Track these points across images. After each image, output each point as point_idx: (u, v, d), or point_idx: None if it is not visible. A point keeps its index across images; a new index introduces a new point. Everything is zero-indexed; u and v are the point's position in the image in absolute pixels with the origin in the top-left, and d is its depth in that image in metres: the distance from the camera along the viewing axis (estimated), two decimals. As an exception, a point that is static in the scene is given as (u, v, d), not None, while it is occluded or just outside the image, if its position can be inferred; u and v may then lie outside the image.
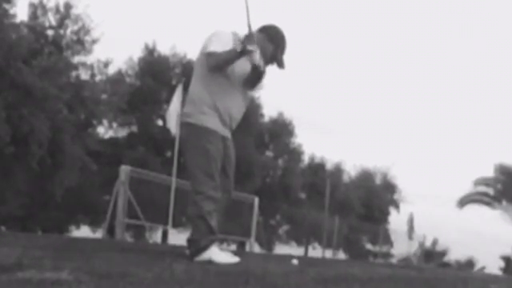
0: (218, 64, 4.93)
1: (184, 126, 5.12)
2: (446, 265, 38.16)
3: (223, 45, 4.93)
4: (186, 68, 29.32)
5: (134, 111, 29.25)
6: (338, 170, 38.38)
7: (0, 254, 4.01)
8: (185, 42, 48.44)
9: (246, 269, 4.39)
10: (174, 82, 29.02)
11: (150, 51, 30.89)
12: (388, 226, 35.72)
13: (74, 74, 25.41)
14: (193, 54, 29.54)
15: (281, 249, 32.14)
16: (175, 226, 13.79)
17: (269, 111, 34.79)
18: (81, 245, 6.17)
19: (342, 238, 29.38)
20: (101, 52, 26.57)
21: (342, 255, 31.22)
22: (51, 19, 25.12)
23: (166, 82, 29.94)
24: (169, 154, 28.11)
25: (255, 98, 30.98)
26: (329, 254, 26.07)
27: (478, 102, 58.97)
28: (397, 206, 40.81)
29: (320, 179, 34.28)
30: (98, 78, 26.27)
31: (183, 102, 9.14)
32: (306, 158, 37.24)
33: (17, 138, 21.51)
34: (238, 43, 4.86)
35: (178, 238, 15.75)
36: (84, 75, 25.86)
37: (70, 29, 25.18)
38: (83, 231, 28.26)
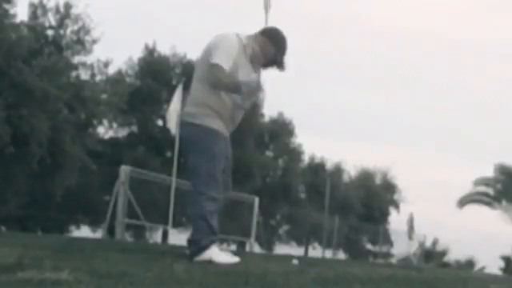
0: (217, 85, 4.96)
1: (188, 126, 5.12)
2: (446, 265, 38.16)
3: (231, 59, 4.91)
4: (186, 68, 29.31)
5: (134, 111, 29.23)
6: (337, 170, 38.35)
7: (0, 254, 4.02)
8: (185, 42, 48.33)
9: (246, 269, 4.40)
10: (174, 82, 28.99)
11: (150, 51, 30.88)
12: (388, 225, 35.71)
13: (74, 73, 25.42)
14: (193, 54, 29.57)
15: (281, 249, 32.12)
16: (175, 226, 13.80)
17: (269, 111, 34.75)
18: (81, 245, 6.17)
19: (342, 238, 29.39)
20: (101, 52, 26.60)
21: (341, 255, 31.20)
22: (51, 19, 25.13)
23: (166, 82, 29.93)
24: (169, 154, 28.08)
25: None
26: (329, 254, 26.10)
27: (477, 102, 58.95)
28: (397, 206, 40.77)
29: (320, 179, 34.27)
30: (98, 77, 26.27)
31: (184, 102, 9.14)
32: (306, 158, 37.25)
33: (17, 138, 21.52)
34: (246, 85, 4.91)
35: (178, 238, 15.76)
36: (84, 75, 25.88)
37: (70, 29, 25.19)
38: (83, 231, 28.23)
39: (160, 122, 30.29)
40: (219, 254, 4.96)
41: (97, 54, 26.07)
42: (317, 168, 37.47)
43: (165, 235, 23.04)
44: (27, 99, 21.82)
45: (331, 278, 4.44)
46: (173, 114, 11.67)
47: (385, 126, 56.17)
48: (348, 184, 38.95)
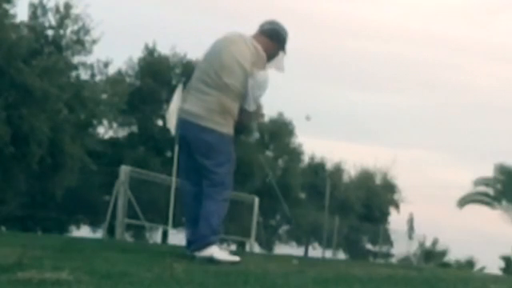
0: (255, 119, 5.83)
1: (213, 132, 5.20)
2: (446, 265, 38.12)
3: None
4: (186, 68, 29.29)
5: (134, 111, 29.23)
6: (337, 170, 38.33)
7: (0, 254, 4.02)
8: (185, 42, 48.32)
9: (246, 269, 4.40)
10: (174, 82, 28.98)
11: (150, 51, 30.86)
12: (388, 225, 35.68)
13: (74, 73, 25.41)
14: (193, 54, 29.58)
15: (281, 249, 32.11)
16: (175, 226, 13.79)
17: (269, 111, 34.73)
18: (81, 245, 6.18)
19: (342, 238, 29.38)
20: (101, 52, 26.51)
21: (342, 255, 31.16)
22: (51, 19, 25.10)
23: (166, 82, 29.92)
24: (169, 153, 28.06)
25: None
26: (329, 254, 26.07)
27: (478, 102, 58.91)
28: (397, 206, 40.74)
29: (320, 179, 34.24)
30: (97, 77, 26.26)
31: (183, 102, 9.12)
32: (306, 158, 37.24)
33: (17, 138, 21.52)
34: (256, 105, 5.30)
35: (178, 238, 15.72)
36: (84, 75, 25.85)
37: (70, 29, 25.15)
38: (83, 231, 28.23)
39: (160, 122, 30.29)
40: (220, 252, 5.12)
41: (97, 54, 26.08)
42: (317, 168, 37.47)
43: (165, 235, 23.04)
44: (27, 99, 21.82)
45: (331, 278, 4.44)
46: (173, 114, 11.65)
47: (385, 126, 56.08)
48: (348, 184, 38.93)
